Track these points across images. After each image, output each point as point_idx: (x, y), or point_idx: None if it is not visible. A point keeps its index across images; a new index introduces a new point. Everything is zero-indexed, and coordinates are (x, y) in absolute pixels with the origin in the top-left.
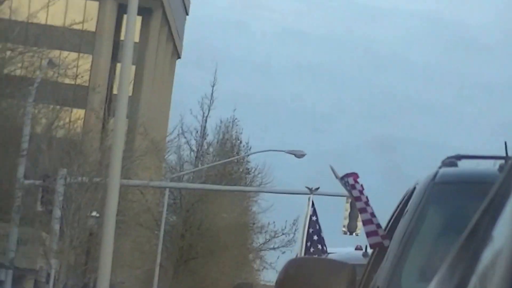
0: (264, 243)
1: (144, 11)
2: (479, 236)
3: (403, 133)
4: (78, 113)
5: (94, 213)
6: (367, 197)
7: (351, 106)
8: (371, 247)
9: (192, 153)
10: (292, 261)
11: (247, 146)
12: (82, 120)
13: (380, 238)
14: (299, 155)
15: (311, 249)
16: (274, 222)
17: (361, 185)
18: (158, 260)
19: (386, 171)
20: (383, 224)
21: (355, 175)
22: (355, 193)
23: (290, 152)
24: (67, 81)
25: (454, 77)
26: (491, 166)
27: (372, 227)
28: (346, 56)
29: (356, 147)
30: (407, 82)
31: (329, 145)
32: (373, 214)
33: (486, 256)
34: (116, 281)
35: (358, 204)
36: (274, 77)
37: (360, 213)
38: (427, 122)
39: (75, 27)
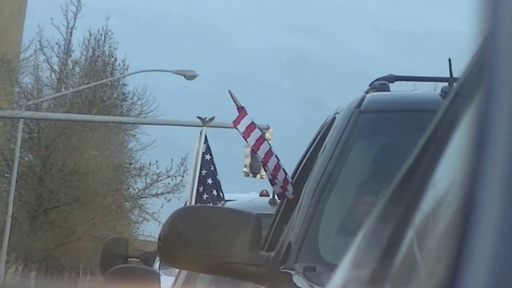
0: (144, 189)
1: None
2: (417, 179)
3: (325, 53)
4: None
5: None
6: (262, 136)
7: (255, 14)
8: (279, 197)
9: (53, 74)
10: (180, 211)
11: (124, 65)
12: None
13: (290, 186)
14: (189, 76)
15: (204, 196)
16: (157, 162)
17: (252, 123)
18: (10, 211)
19: (302, 101)
20: (295, 164)
21: (242, 110)
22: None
23: (177, 73)
24: None
25: None
26: (432, 90)
27: (282, 174)
28: None
29: (262, 67)
30: None
31: (228, 64)
32: (272, 154)
33: (426, 204)
34: None
35: (253, 146)
36: None
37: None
38: (356, 39)
39: None
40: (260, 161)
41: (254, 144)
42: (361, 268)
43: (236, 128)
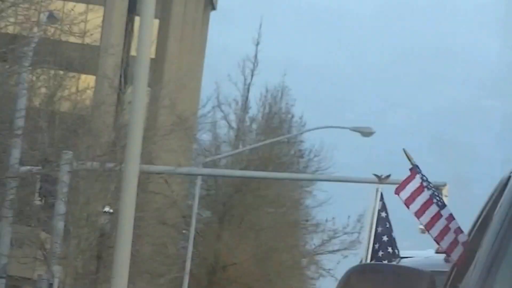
0: (320, 245)
1: None
2: None
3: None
4: (87, 80)
5: (106, 208)
6: (431, 198)
7: (437, 70)
8: (456, 265)
9: (231, 131)
10: (355, 268)
11: (301, 122)
12: (92, 89)
13: (462, 246)
14: (366, 133)
15: (380, 253)
16: (333, 218)
17: (421, 184)
18: (188, 267)
19: (477, 155)
20: (470, 223)
21: (413, 171)
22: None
23: (354, 130)
24: (72, 40)
25: None
26: None
27: (451, 235)
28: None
29: (439, 126)
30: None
31: (405, 121)
32: (448, 216)
33: None
34: None
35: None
36: (335, 35)
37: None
38: None
39: None
40: (424, 226)
41: (418, 210)
42: None
43: (398, 196)
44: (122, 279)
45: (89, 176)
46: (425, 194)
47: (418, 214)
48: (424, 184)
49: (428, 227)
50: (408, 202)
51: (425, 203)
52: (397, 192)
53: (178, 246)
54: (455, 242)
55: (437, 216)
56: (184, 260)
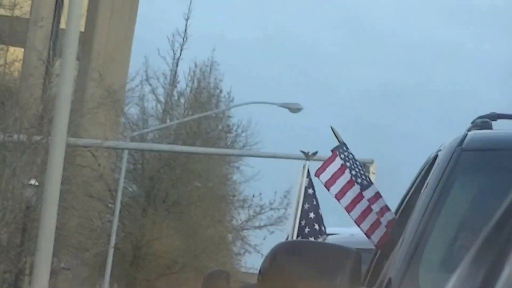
0: (247, 221)
1: None
2: None
3: (425, 88)
4: (16, 53)
5: (32, 181)
6: (352, 179)
7: (360, 48)
8: (376, 247)
9: (158, 105)
10: (281, 245)
11: (229, 97)
12: (20, 62)
13: (386, 226)
14: (294, 109)
15: (306, 230)
16: (260, 194)
17: (343, 165)
18: (113, 241)
19: (402, 133)
20: (398, 200)
21: (334, 151)
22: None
23: (283, 106)
24: (1, 12)
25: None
26: None
27: (372, 217)
28: None
29: (367, 100)
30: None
31: (333, 97)
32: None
33: None
34: (59, 267)
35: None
36: (266, 9)
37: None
38: (452, 68)
39: None
40: (344, 208)
41: (338, 192)
42: None
43: (318, 178)
44: (46, 252)
45: (16, 149)
46: (347, 175)
47: (339, 196)
48: (348, 164)
49: (349, 208)
50: (328, 184)
51: (346, 184)
52: (317, 174)
53: (103, 220)
54: (377, 223)
55: (359, 197)
56: (109, 234)
